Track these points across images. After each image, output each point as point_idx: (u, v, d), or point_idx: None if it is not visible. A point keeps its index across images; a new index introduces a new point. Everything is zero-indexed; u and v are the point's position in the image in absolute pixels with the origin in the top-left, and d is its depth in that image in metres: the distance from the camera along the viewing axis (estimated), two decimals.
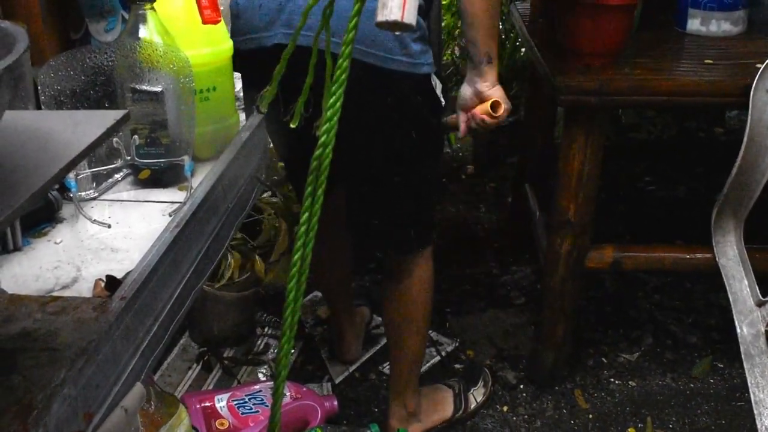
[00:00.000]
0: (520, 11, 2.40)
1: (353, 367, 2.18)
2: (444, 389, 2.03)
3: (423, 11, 1.52)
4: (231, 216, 1.31)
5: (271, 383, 1.87)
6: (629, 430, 1.99)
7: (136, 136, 1.31)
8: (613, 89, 1.77)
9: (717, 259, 1.91)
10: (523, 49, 3.19)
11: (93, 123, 0.81)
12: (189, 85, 1.32)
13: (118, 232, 1.20)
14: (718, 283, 1.92)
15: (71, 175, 1.25)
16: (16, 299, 0.93)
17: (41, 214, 1.22)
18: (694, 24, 2.09)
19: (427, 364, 2.18)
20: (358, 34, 0.67)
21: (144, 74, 1.28)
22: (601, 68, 1.82)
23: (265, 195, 2.20)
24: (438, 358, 2.23)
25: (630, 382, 2.14)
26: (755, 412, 1.75)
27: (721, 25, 2.07)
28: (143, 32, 1.30)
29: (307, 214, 0.70)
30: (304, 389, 1.91)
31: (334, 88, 0.66)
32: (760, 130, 1.73)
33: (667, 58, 1.98)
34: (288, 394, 1.85)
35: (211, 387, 2.07)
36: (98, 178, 1.33)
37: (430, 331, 2.26)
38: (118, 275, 1.03)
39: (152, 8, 1.31)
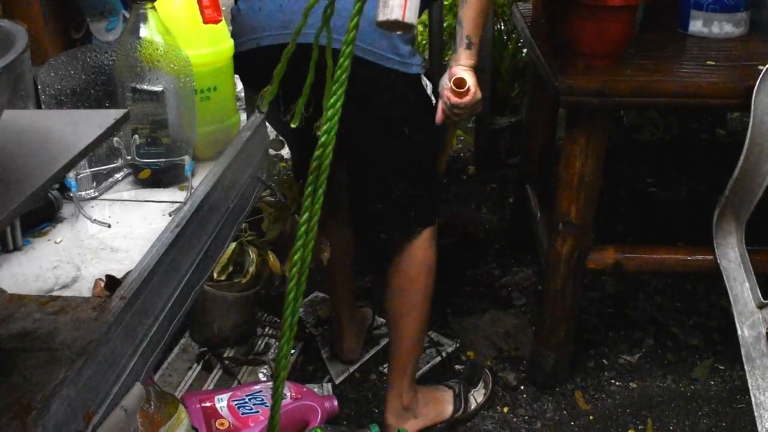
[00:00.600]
0: (522, 12, 2.40)
1: (354, 368, 2.18)
2: (444, 389, 2.03)
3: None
4: (231, 216, 1.31)
5: (271, 383, 1.87)
6: (629, 431, 1.99)
7: (136, 136, 1.31)
8: (615, 90, 1.76)
9: (718, 260, 1.91)
10: (524, 50, 3.19)
11: (93, 122, 0.81)
12: (190, 84, 1.32)
13: (118, 232, 1.20)
14: (719, 285, 1.92)
15: (71, 174, 1.25)
16: (16, 299, 0.92)
17: (41, 214, 1.22)
18: (696, 25, 2.09)
19: (428, 365, 2.19)
20: (359, 33, 0.67)
21: (145, 74, 1.28)
22: (603, 69, 1.82)
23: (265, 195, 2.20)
24: (438, 358, 2.22)
25: (631, 384, 2.14)
26: (756, 414, 1.74)
27: (723, 27, 2.06)
28: (144, 32, 1.30)
29: (307, 214, 0.70)
30: (305, 389, 1.90)
31: (334, 87, 0.66)
32: (762, 131, 1.72)
33: (669, 60, 1.97)
34: (288, 394, 1.85)
35: (211, 387, 2.07)
36: (98, 178, 1.33)
37: (431, 332, 2.27)
38: (118, 275, 1.03)
39: (153, 8, 1.31)
